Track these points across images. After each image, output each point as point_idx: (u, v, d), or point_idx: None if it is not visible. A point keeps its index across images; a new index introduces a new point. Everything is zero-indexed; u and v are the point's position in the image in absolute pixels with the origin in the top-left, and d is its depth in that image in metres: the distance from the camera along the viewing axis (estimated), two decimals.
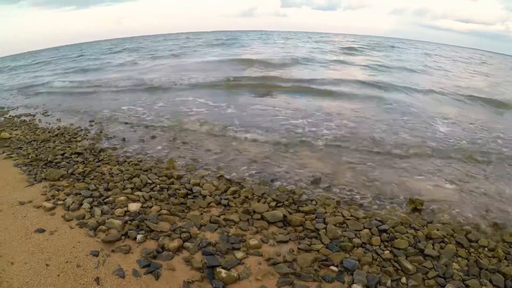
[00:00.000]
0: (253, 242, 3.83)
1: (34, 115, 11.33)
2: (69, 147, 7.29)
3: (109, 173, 5.76)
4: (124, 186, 5.22)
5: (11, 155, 6.84)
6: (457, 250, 3.97)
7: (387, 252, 3.82)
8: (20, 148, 7.37)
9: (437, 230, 4.30)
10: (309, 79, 16.18)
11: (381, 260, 3.71)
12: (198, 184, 5.34)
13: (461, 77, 22.03)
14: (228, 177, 5.82)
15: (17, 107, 13.25)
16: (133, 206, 4.51)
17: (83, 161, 6.39)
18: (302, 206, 4.72)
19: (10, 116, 11.43)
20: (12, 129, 9.39)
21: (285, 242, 3.95)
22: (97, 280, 3.24)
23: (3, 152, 7.07)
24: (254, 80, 15.96)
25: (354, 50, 36.06)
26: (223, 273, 3.31)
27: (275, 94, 13.53)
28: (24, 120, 10.62)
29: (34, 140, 7.95)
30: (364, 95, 13.37)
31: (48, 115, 11.28)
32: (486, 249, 4.05)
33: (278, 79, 16.27)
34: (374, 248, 3.88)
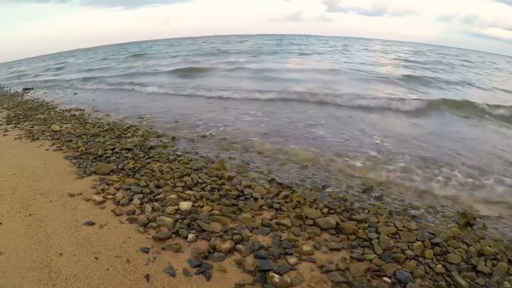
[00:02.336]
0: (306, 248, 3.61)
1: (83, 110, 11.54)
2: (119, 142, 7.29)
3: (159, 171, 5.65)
4: (175, 184, 5.09)
5: (61, 148, 6.92)
6: (508, 268, 3.64)
7: (439, 266, 3.54)
8: (70, 141, 7.46)
9: (489, 246, 3.97)
10: None
11: (434, 274, 3.44)
12: (249, 186, 5.17)
13: None
14: (279, 180, 5.58)
15: (68, 101, 13.59)
16: (184, 205, 4.36)
17: (133, 157, 6.31)
18: (355, 214, 4.48)
19: (60, 110, 11.68)
20: (62, 122, 9.57)
21: (338, 250, 3.71)
22: (147, 277, 3.11)
23: (53, 144, 7.17)
24: None
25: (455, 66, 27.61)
26: (276, 278, 3.12)
27: None
28: (74, 114, 10.82)
29: (84, 134, 8.04)
30: None
31: (98, 111, 11.45)
32: None
33: None
34: (427, 261, 3.61)
